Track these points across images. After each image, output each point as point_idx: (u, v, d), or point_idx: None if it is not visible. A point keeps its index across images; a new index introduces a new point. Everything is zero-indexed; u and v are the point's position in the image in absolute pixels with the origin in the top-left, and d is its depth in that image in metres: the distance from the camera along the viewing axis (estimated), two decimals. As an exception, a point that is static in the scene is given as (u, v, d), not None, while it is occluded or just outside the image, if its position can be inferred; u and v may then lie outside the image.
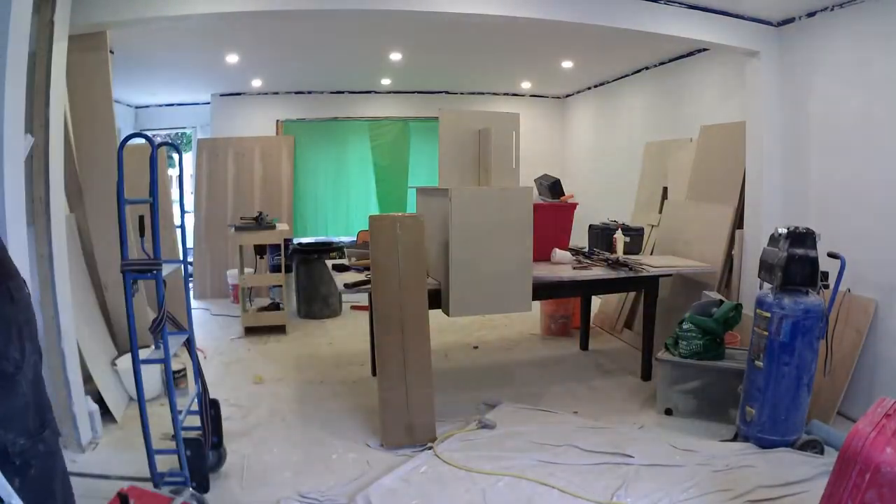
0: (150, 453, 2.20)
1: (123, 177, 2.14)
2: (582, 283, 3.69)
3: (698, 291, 4.01)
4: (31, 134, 2.59)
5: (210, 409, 2.64)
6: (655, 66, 5.57)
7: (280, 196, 6.72)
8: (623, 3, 3.55)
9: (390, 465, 2.77)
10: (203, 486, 2.38)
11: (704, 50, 4.75)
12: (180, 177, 3.80)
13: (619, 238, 4.30)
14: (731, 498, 2.43)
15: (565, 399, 3.67)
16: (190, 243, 6.61)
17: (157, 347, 2.26)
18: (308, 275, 5.67)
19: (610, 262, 3.89)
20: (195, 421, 2.64)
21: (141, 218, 2.21)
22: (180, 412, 2.30)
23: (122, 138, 2.42)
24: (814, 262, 2.75)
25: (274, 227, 5.24)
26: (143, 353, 2.25)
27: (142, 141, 2.47)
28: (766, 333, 2.80)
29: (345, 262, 4.01)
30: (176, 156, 5.05)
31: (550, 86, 7.11)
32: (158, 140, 2.33)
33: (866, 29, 3.26)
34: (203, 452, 2.40)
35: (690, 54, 5.02)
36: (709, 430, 3.18)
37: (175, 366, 3.40)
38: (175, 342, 2.38)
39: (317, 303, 5.73)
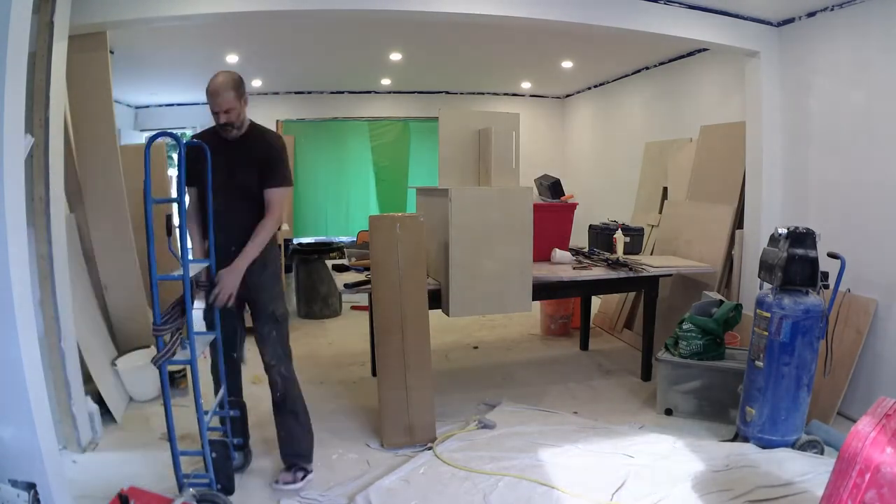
0: (175, 454, 2.19)
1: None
2: (582, 283, 3.69)
3: (698, 291, 4.01)
4: (31, 134, 2.59)
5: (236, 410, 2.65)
6: (655, 66, 5.56)
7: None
8: (623, 3, 3.55)
9: (390, 466, 2.78)
10: (229, 489, 2.37)
11: (704, 50, 4.75)
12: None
13: (619, 238, 4.30)
14: (731, 498, 2.43)
15: (565, 399, 3.67)
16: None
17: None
18: (308, 275, 5.67)
19: (610, 262, 3.89)
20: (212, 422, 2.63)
21: (168, 217, 2.21)
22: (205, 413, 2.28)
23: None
24: (814, 262, 2.75)
25: (274, 227, 5.22)
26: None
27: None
28: (766, 333, 2.80)
29: (345, 262, 4.01)
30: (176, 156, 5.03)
31: (550, 86, 7.10)
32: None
33: (866, 29, 3.26)
34: (229, 454, 2.40)
35: (690, 54, 5.02)
36: (709, 430, 3.19)
37: (173, 366, 3.39)
38: (201, 343, 2.37)
39: (317, 303, 5.73)
